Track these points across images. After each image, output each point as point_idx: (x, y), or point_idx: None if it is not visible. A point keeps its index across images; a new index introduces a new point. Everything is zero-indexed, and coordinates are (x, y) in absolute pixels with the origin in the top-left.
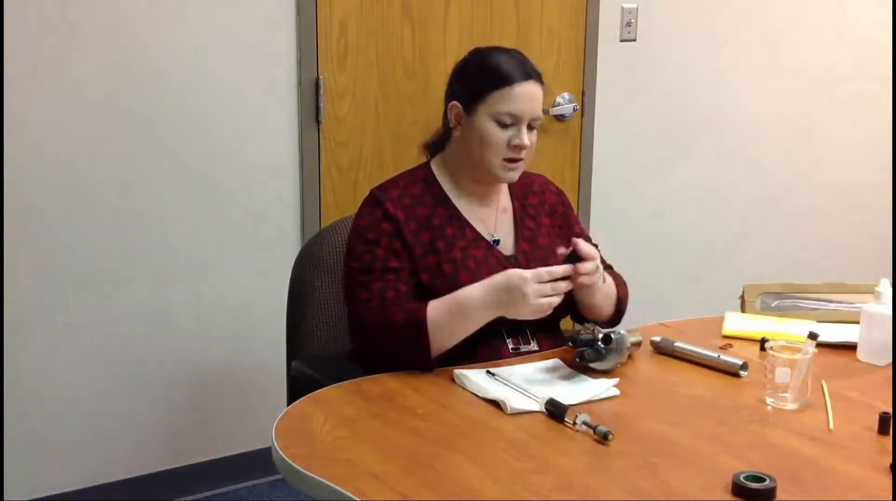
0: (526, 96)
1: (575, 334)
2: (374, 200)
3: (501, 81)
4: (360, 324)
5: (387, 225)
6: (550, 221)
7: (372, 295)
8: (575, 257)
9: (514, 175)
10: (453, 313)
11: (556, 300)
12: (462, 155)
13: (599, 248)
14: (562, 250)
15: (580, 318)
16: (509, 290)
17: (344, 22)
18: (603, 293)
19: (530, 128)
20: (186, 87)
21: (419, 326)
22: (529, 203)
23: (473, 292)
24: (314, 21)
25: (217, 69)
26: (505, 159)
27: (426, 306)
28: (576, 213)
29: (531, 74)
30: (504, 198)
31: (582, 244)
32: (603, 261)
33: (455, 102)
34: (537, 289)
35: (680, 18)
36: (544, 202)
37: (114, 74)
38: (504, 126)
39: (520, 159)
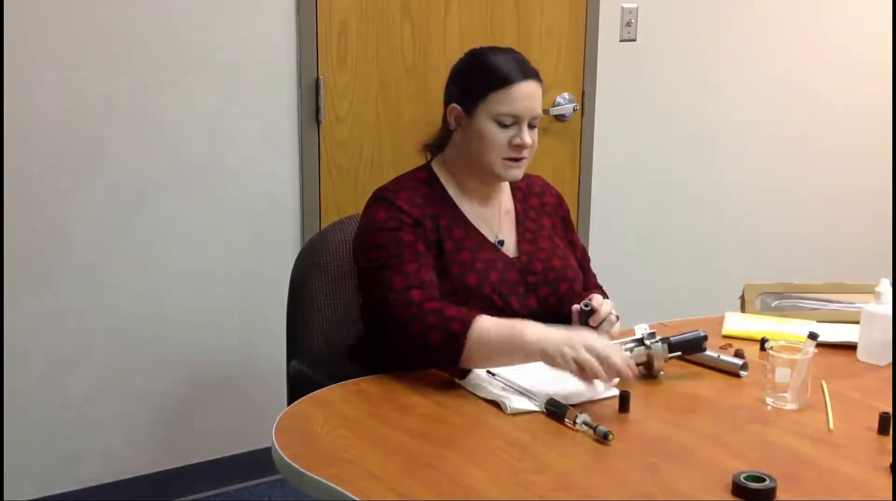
0: (525, 96)
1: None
2: (385, 198)
3: (501, 81)
4: (402, 308)
5: (405, 217)
6: (551, 222)
7: (409, 279)
8: (590, 312)
9: (517, 173)
10: (502, 341)
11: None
12: (463, 156)
13: (591, 262)
14: (576, 307)
15: None
16: (577, 333)
17: (344, 22)
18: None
19: (531, 126)
20: (187, 86)
21: (464, 330)
22: (531, 205)
23: (536, 324)
24: (314, 21)
25: (217, 69)
26: (506, 158)
27: (478, 314)
28: (576, 212)
29: (530, 73)
30: (507, 199)
31: (596, 301)
32: (599, 288)
33: (454, 105)
34: (593, 346)
35: (680, 18)
36: (545, 204)
37: (114, 74)
38: (504, 126)
39: (522, 158)
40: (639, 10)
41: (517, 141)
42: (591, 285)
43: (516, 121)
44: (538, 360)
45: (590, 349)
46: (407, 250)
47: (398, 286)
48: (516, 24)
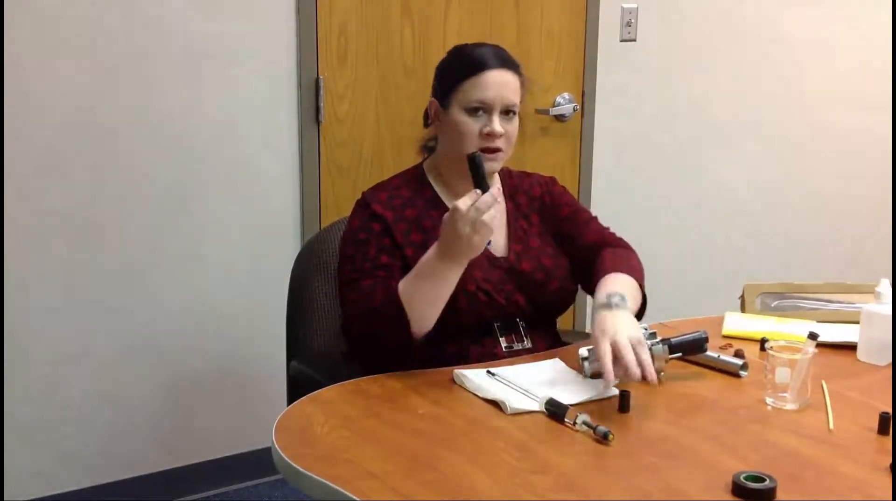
0: (496, 83)
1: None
2: (364, 202)
3: (472, 69)
4: (348, 319)
5: (376, 225)
6: (540, 217)
7: (362, 292)
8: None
9: (494, 165)
10: (418, 276)
11: (490, 220)
12: (445, 152)
13: (598, 219)
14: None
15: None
16: (446, 224)
17: (344, 22)
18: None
19: (508, 115)
20: (186, 86)
21: (394, 299)
22: (520, 202)
23: (427, 253)
24: (314, 21)
25: (217, 69)
26: (480, 150)
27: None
28: None
29: (505, 63)
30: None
31: (603, 353)
32: (612, 237)
33: (433, 99)
34: (466, 203)
35: (680, 18)
36: (533, 200)
37: (114, 74)
38: (476, 115)
39: (497, 149)
40: (639, 10)
41: (486, 129)
42: (605, 258)
43: (487, 109)
44: (462, 262)
45: (467, 221)
46: (368, 266)
47: (352, 298)
48: (516, 24)
